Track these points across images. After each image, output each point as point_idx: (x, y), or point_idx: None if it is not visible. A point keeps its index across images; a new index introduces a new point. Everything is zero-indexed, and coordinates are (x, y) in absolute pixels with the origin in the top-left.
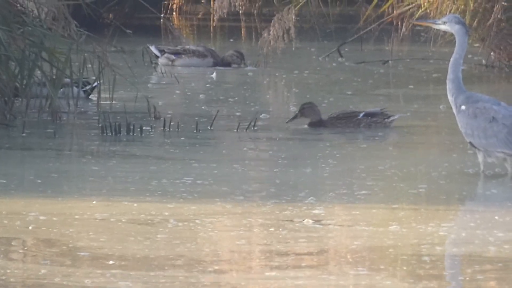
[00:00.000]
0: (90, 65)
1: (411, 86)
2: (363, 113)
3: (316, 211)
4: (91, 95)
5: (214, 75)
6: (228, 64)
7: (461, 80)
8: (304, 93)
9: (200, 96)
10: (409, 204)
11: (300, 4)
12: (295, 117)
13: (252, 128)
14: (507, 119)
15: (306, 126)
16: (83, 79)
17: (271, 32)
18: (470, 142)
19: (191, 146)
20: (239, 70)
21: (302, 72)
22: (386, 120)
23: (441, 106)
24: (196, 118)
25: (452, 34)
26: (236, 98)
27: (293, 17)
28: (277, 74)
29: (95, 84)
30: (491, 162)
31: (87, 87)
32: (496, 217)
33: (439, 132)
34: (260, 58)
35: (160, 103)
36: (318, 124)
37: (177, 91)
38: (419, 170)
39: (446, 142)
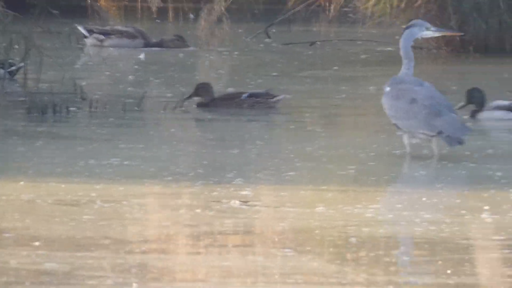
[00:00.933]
0: (16, 46)
1: (336, 68)
2: (247, 94)
3: (243, 192)
4: (16, 75)
5: (142, 56)
6: (161, 46)
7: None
8: (232, 75)
9: (129, 77)
10: (336, 186)
11: None
12: (189, 96)
13: (180, 109)
14: (426, 100)
15: (194, 106)
16: (9, 60)
17: (204, 14)
18: (395, 124)
19: (118, 127)
20: (169, 51)
21: (231, 53)
22: (270, 100)
23: (370, 88)
24: (124, 99)
25: (379, 16)
26: (164, 79)
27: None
28: (206, 55)
29: (21, 65)
30: (417, 143)
31: (12, 68)
32: (423, 198)
33: (367, 114)
34: (200, 38)
35: (87, 83)
36: (206, 104)
37: (106, 72)
38: (348, 151)
39: (374, 124)
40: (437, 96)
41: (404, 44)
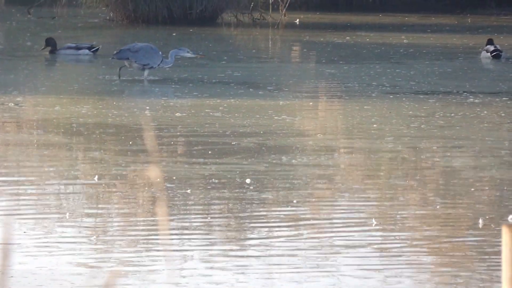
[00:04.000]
0: None
1: (60, 31)
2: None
3: None
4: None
5: None
6: None
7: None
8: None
9: None
10: (67, 95)
11: None
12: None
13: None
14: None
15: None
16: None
17: None
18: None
19: None
20: None
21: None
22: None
23: (94, 43)
24: None
25: (90, 2)
26: None
27: None
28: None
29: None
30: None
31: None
32: (114, 103)
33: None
34: None
35: None
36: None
37: None
38: (73, 76)
39: (86, 61)
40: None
41: (175, 54)
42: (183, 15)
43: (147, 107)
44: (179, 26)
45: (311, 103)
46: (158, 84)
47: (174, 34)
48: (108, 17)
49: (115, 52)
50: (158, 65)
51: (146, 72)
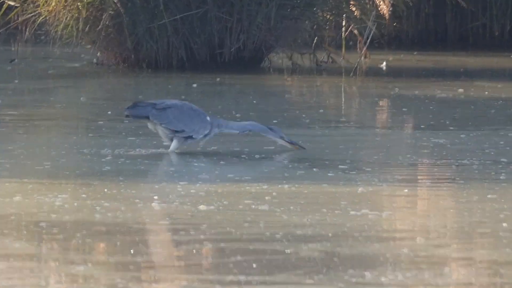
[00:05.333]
0: None
1: (16, 81)
2: None
3: None
4: None
5: None
6: None
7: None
8: None
9: None
10: (34, 179)
11: None
12: None
13: None
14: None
15: None
16: None
17: None
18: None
19: None
20: None
21: None
22: None
23: (59, 96)
24: None
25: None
26: None
27: None
28: None
29: None
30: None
31: None
32: (105, 190)
33: (58, 119)
34: None
35: None
36: None
37: None
38: (43, 150)
39: (65, 127)
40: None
41: (255, 129)
42: (209, 57)
43: (155, 196)
44: (202, 73)
45: (406, 191)
46: (173, 160)
47: (194, 85)
48: (95, 60)
49: (128, 106)
50: (205, 135)
51: (174, 143)
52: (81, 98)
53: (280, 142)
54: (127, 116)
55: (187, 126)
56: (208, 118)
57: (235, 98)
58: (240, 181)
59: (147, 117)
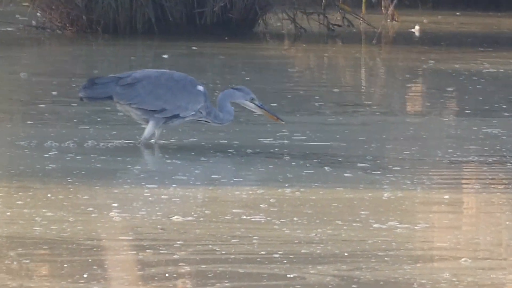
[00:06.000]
0: None
1: None
2: None
3: None
4: None
5: None
6: None
7: None
8: None
9: None
10: None
11: None
12: None
13: None
14: None
15: None
16: None
17: None
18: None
19: None
20: None
21: None
22: None
23: (21, 74)
24: None
25: None
26: None
27: None
28: None
29: None
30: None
31: None
32: (49, 195)
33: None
34: None
35: None
36: None
37: None
38: None
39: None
40: None
41: (221, 99)
42: (186, 18)
43: (115, 203)
44: (176, 40)
45: (446, 197)
46: (140, 156)
47: (165, 56)
48: (34, 22)
49: (83, 85)
50: (198, 112)
51: (149, 127)
52: (21, 74)
53: (251, 106)
54: (81, 99)
55: (169, 103)
56: (200, 87)
57: (220, 73)
58: (227, 183)
59: (110, 98)
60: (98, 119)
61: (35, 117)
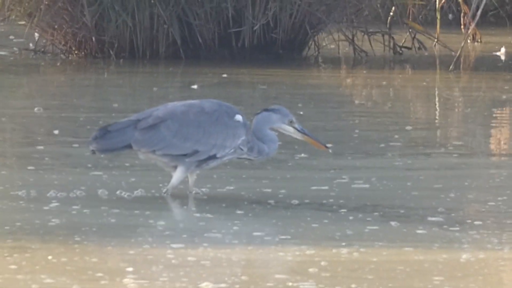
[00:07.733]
0: None
1: None
2: None
3: None
4: None
5: None
6: None
7: None
8: None
9: None
10: None
11: None
12: None
13: None
14: None
15: None
16: None
17: None
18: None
19: None
20: None
21: None
22: None
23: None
24: None
25: None
26: None
27: None
28: None
29: None
30: None
31: None
32: (49, 257)
33: None
34: None
35: None
36: None
37: None
38: None
39: None
40: None
41: (257, 127)
42: (219, 40)
43: (130, 268)
44: (207, 66)
45: None
46: (164, 209)
47: (194, 86)
48: (32, 45)
49: (94, 135)
50: (237, 149)
51: (178, 173)
52: (35, 109)
53: (290, 131)
54: (93, 152)
55: (201, 142)
56: (238, 117)
57: (262, 107)
58: (270, 243)
59: (129, 146)
60: (112, 163)
61: (35, 161)
